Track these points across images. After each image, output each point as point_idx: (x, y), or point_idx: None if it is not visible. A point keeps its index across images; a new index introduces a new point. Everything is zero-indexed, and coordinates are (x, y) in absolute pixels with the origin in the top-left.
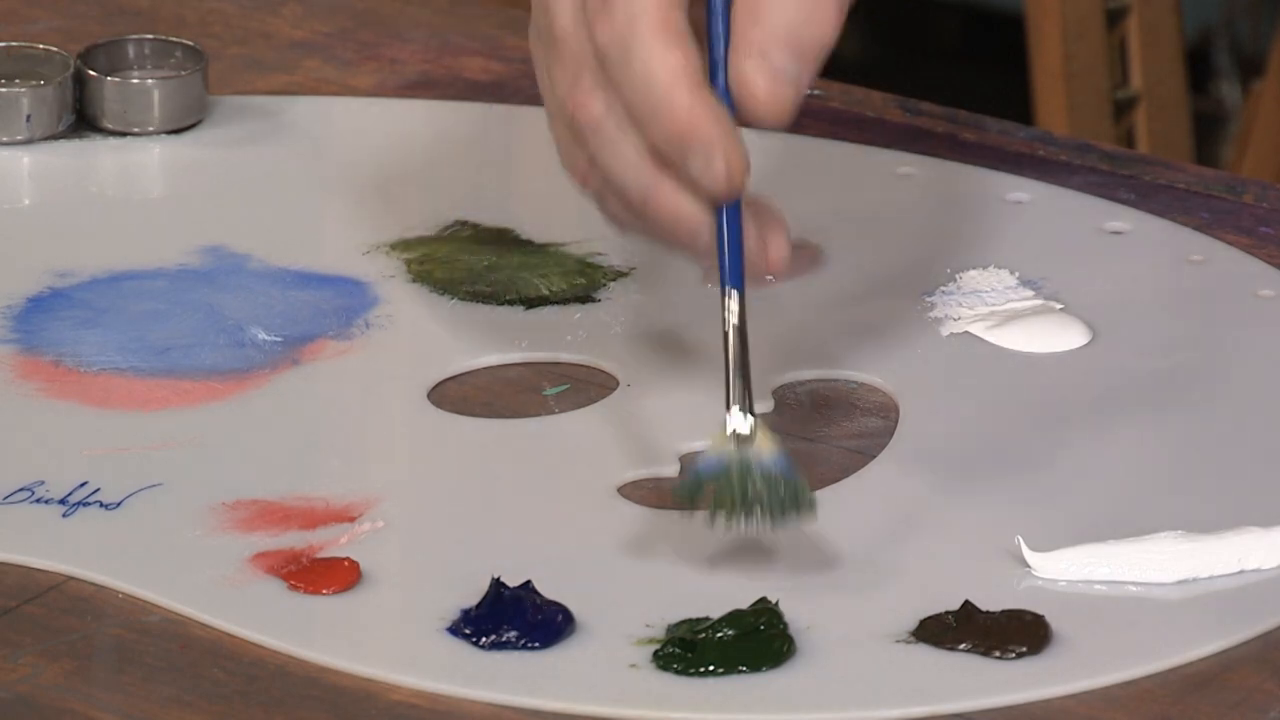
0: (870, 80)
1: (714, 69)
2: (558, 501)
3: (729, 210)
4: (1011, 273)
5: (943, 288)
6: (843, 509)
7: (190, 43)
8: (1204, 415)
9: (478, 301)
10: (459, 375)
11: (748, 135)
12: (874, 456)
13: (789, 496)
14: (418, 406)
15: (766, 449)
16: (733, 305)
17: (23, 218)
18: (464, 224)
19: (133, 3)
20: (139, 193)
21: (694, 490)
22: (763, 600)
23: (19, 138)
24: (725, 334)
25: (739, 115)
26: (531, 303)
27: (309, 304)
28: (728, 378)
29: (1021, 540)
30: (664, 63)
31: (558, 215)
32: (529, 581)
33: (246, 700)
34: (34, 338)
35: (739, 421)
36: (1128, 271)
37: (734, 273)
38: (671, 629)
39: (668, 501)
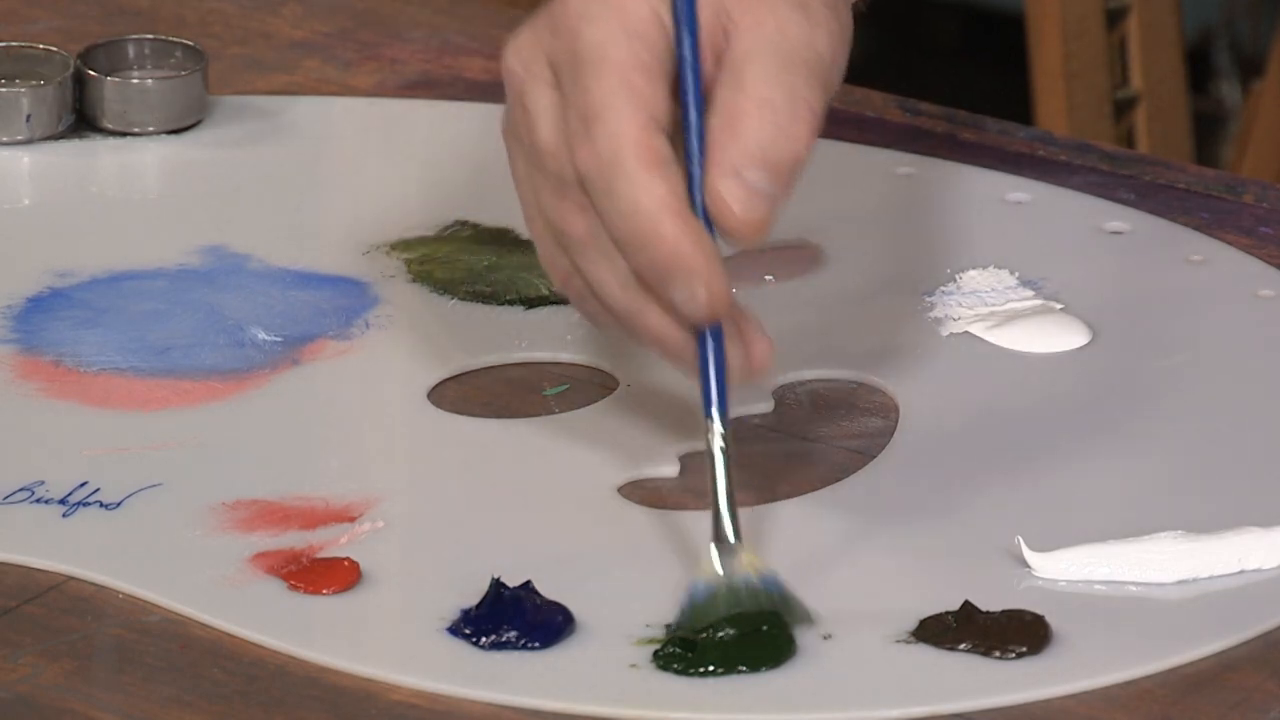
0: (870, 80)
1: (692, 187)
2: (558, 501)
3: (711, 335)
4: (1011, 273)
5: (943, 288)
6: (843, 509)
7: (190, 43)
8: (1204, 415)
9: (478, 301)
10: (459, 375)
11: None
12: (874, 456)
13: (785, 618)
14: (418, 406)
15: (755, 571)
16: (716, 429)
17: (23, 218)
18: (464, 224)
19: (133, 3)
20: (139, 193)
21: (692, 621)
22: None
23: (19, 138)
24: (710, 459)
25: (717, 231)
26: (531, 303)
27: (309, 304)
28: (716, 505)
29: (1021, 540)
30: (648, 193)
31: None
32: (529, 581)
33: (246, 700)
34: (34, 338)
35: (730, 548)
36: (1128, 271)
37: (718, 399)
38: (671, 629)
39: (667, 501)
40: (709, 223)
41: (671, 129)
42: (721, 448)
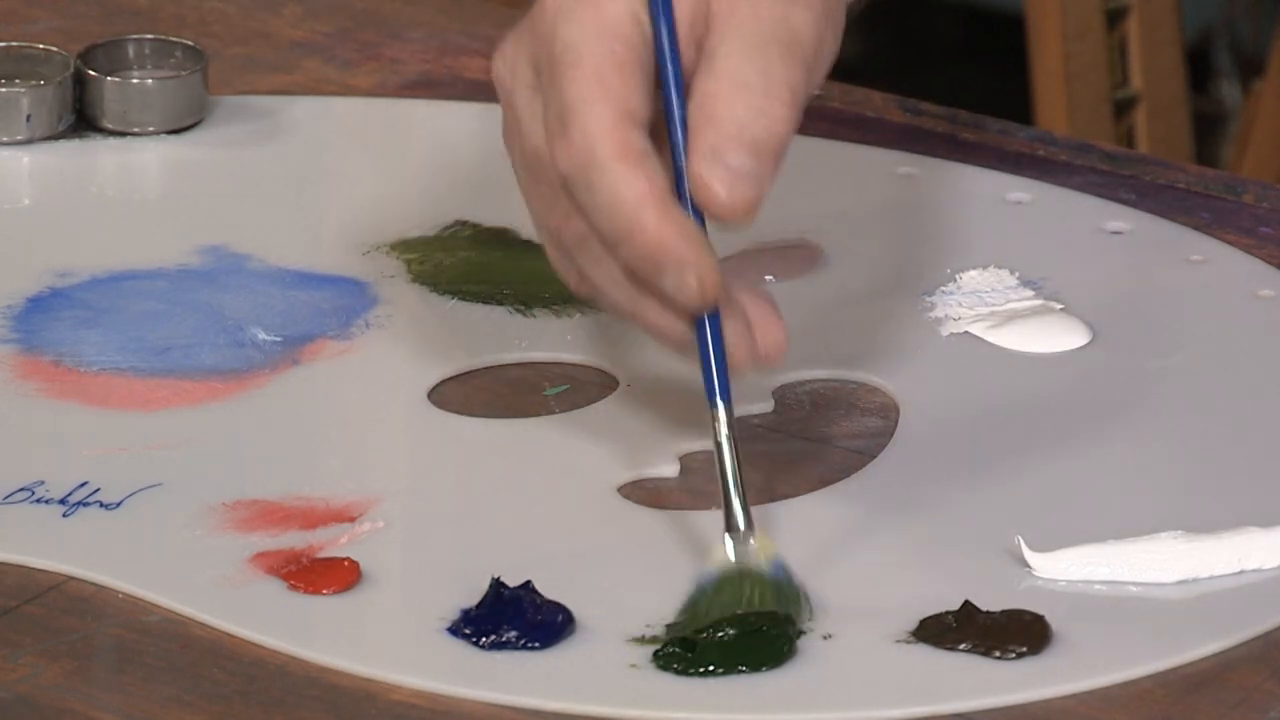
0: (870, 80)
1: (679, 179)
2: (558, 501)
3: (709, 322)
4: (1011, 273)
5: (943, 288)
6: (843, 509)
7: (190, 43)
8: (1204, 415)
9: (478, 301)
10: (459, 375)
11: None
12: (874, 456)
13: (790, 606)
14: (418, 406)
15: (767, 559)
16: (721, 417)
17: (23, 218)
18: (464, 224)
19: (133, 3)
20: (139, 193)
21: (697, 609)
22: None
23: (19, 138)
24: (717, 447)
25: (706, 217)
26: (531, 302)
27: (309, 304)
28: (726, 494)
29: (1021, 540)
30: (628, 188)
31: None
32: (529, 581)
33: (246, 700)
34: (34, 338)
35: (742, 537)
36: (1128, 271)
37: (720, 386)
38: (671, 629)
39: (667, 501)
40: (699, 213)
41: (653, 124)
42: (727, 435)
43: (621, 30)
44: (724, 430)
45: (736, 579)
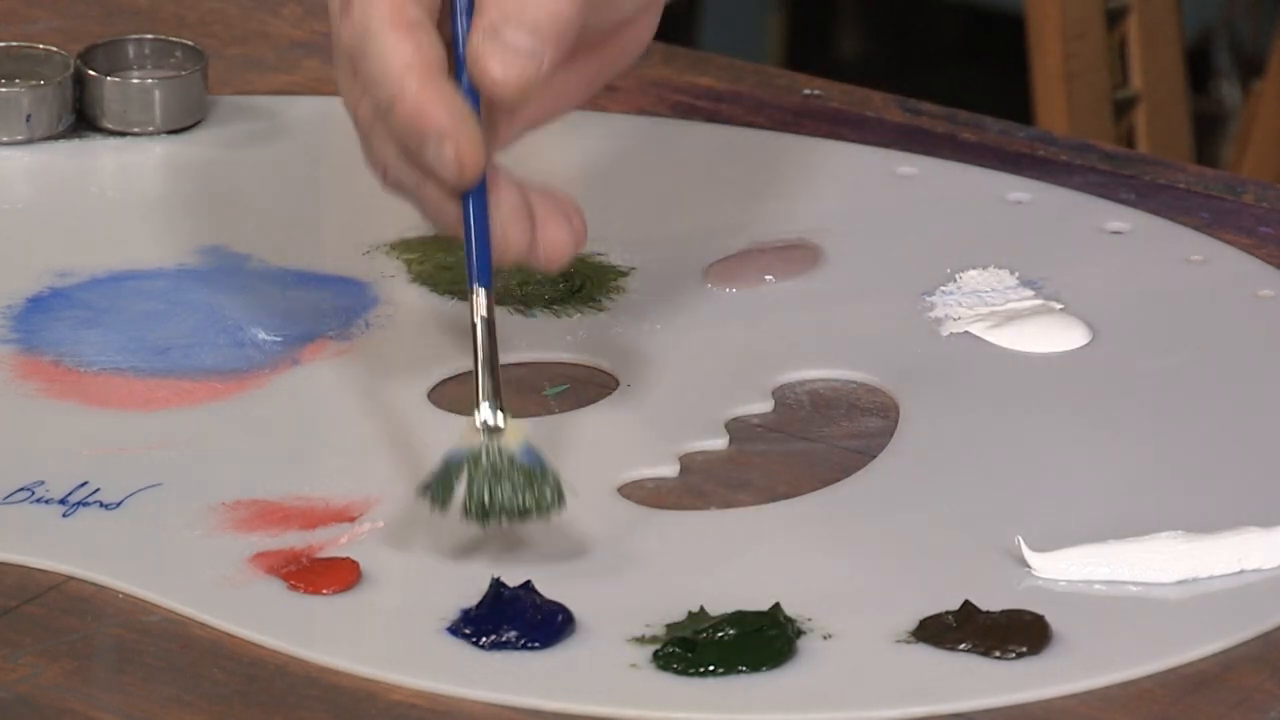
0: (870, 80)
1: (459, 67)
2: None
3: (473, 202)
4: (1011, 273)
5: (943, 288)
6: (843, 509)
7: (190, 43)
8: (1204, 415)
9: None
10: (459, 375)
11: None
12: (874, 456)
13: (539, 489)
14: (418, 406)
15: (516, 442)
16: (480, 301)
17: (23, 218)
18: None
19: (133, 3)
20: (139, 193)
21: (443, 485)
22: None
23: (19, 138)
24: (473, 328)
25: (483, 96)
26: (531, 303)
27: (309, 304)
28: (476, 373)
29: (1021, 540)
30: (396, 53)
31: None
32: (529, 581)
33: (246, 700)
34: (34, 338)
35: (488, 415)
36: (1128, 271)
37: (480, 269)
38: (671, 629)
39: (667, 501)
40: (476, 94)
41: (438, 8)
42: (483, 319)
43: None
44: (481, 313)
45: (486, 455)
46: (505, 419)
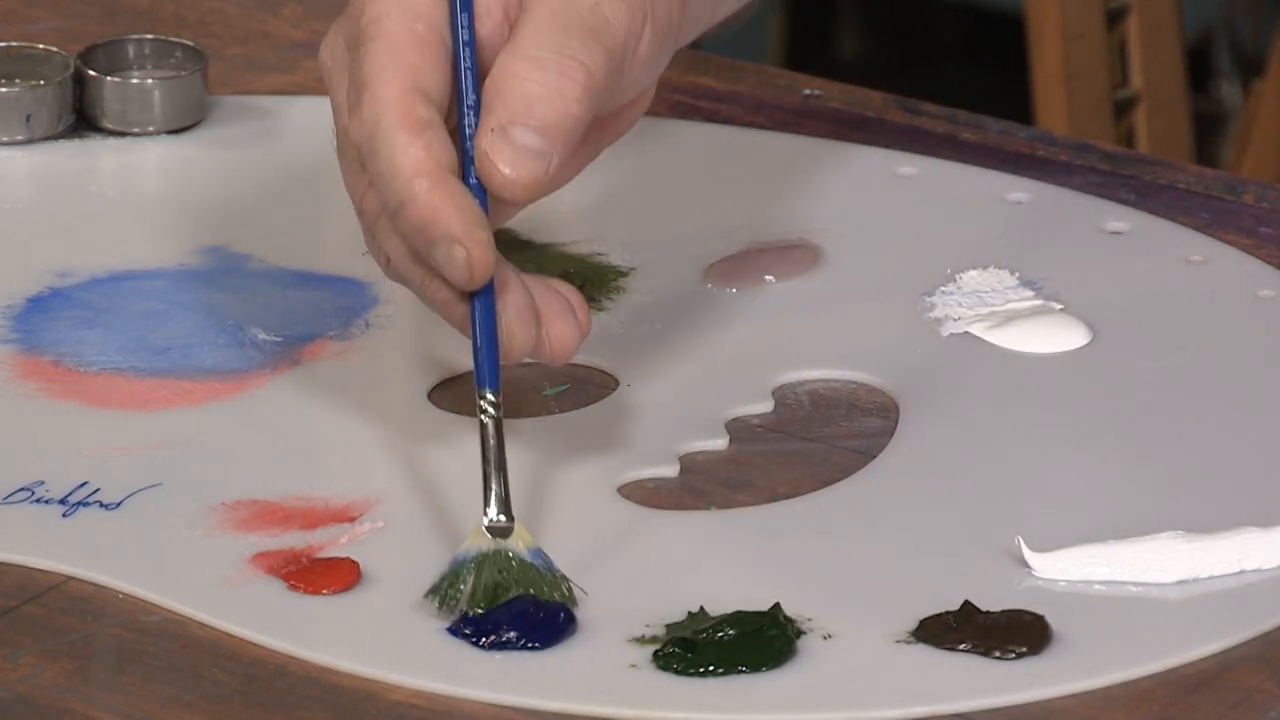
0: (870, 80)
1: (466, 164)
2: (558, 501)
3: (481, 304)
4: (1011, 273)
5: (943, 288)
6: (843, 509)
7: (190, 43)
8: (1204, 415)
9: None
10: (459, 375)
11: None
12: (874, 456)
13: (549, 592)
14: (418, 406)
15: (525, 545)
16: (485, 404)
17: (23, 218)
18: None
19: (133, 3)
20: (139, 193)
21: (452, 586)
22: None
23: (19, 138)
24: (482, 428)
25: (491, 196)
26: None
27: (309, 304)
28: (486, 475)
29: (1021, 540)
30: (405, 154)
31: (558, 215)
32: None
33: (246, 700)
34: (34, 338)
35: (496, 518)
36: (1128, 271)
37: (488, 371)
38: (671, 629)
39: (667, 502)
40: (484, 192)
41: (447, 105)
42: (492, 420)
43: (425, 9)
44: (487, 416)
45: (494, 558)
46: (511, 525)
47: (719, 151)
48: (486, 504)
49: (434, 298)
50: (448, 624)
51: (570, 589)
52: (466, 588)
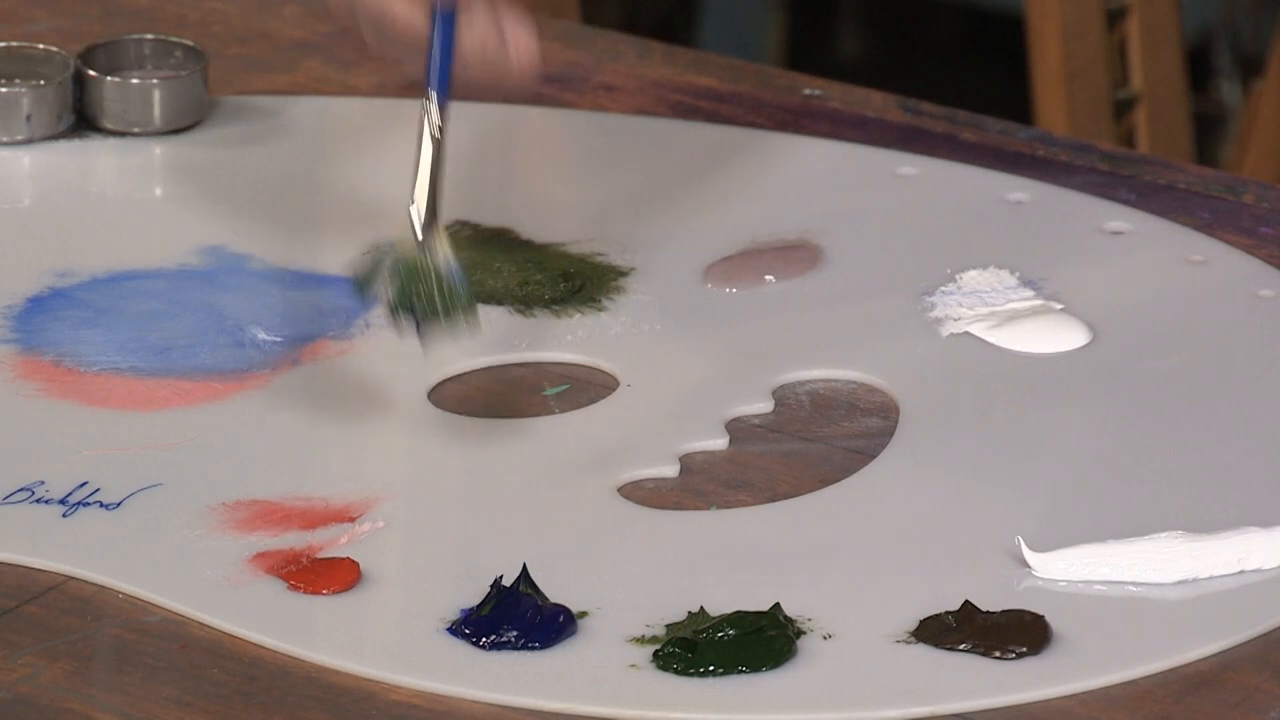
0: (870, 80)
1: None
2: (558, 501)
3: (442, 12)
4: (1011, 273)
5: (943, 288)
6: (843, 509)
7: (190, 43)
8: (1204, 415)
9: (478, 301)
10: (459, 375)
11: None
12: (874, 456)
13: (451, 298)
14: (418, 406)
15: (443, 254)
16: (432, 108)
17: (23, 218)
18: (464, 224)
19: (133, 3)
20: (139, 193)
21: (369, 276)
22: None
23: (19, 138)
24: (420, 134)
25: None
26: (531, 303)
27: (309, 304)
28: (415, 174)
29: (1021, 540)
30: None
31: (558, 215)
32: (526, 570)
33: (246, 700)
34: (34, 338)
35: (416, 220)
36: (1128, 271)
37: (439, 77)
38: (671, 629)
39: (667, 501)
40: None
41: None
42: (438, 126)
43: None
44: (434, 119)
45: (417, 264)
46: (436, 230)
47: (719, 151)
48: (413, 204)
49: (394, 12)
50: (448, 624)
51: (471, 299)
52: (383, 280)
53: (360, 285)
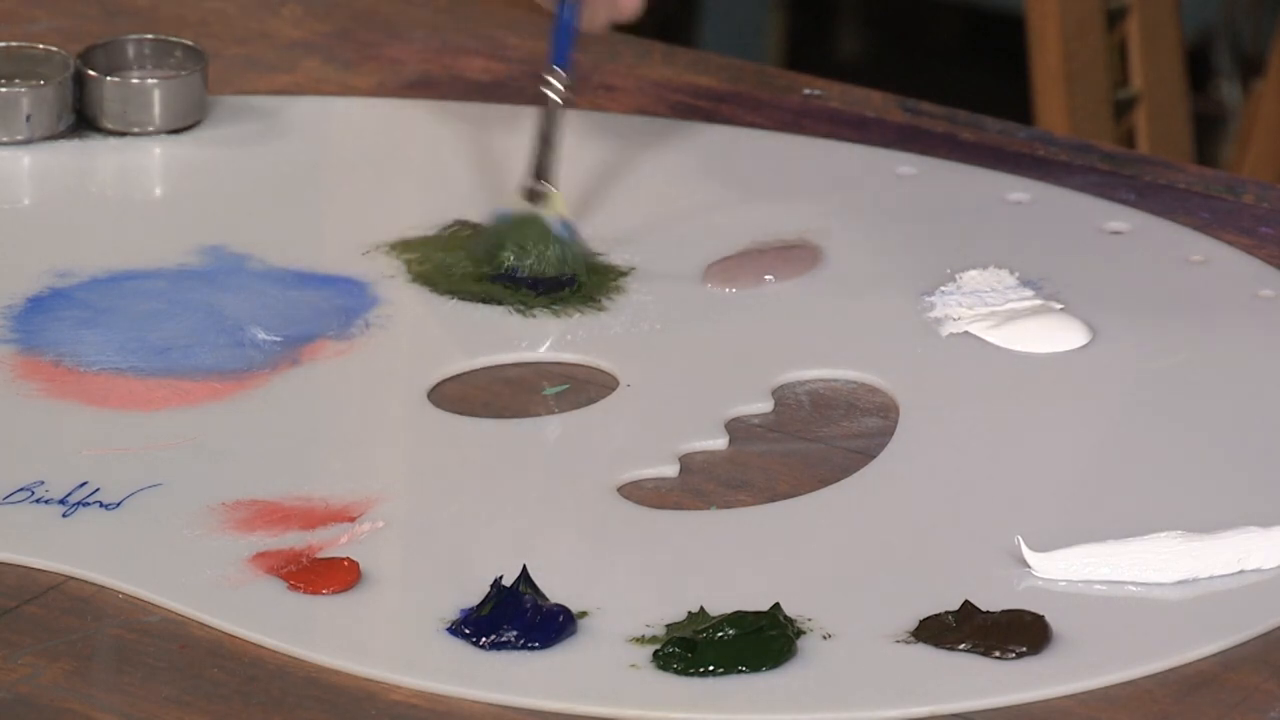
0: (870, 80)
1: None
2: (558, 501)
3: (565, 3)
4: (1011, 273)
5: (943, 288)
6: (843, 509)
7: (190, 43)
8: (1204, 415)
9: (478, 301)
10: (459, 375)
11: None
12: (874, 456)
13: (567, 256)
14: (418, 406)
15: (558, 214)
16: (554, 83)
17: (23, 218)
18: (464, 224)
19: (132, 3)
20: (139, 193)
21: (495, 240)
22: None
23: (19, 138)
24: (549, 104)
25: None
26: (531, 303)
27: (309, 304)
28: (543, 149)
29: (1021, 540)
30: None
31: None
32: (526, 571)
33: (246, 700)
34: (34, 338)
35: (535, 183)
36: (1128, 271)
37: (561, 53)
38: (671, 629)
39: (667, 501)
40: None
41: None
42: (562, 93)
43: None
44: (559, 88)
45: (531, 221)
46: (553, 192)
47: (719, 151)
48: (539, 174)
49: None
50: (448, 624)
51: (585, 256)
52: (496, 242)
53: (484, 253)
